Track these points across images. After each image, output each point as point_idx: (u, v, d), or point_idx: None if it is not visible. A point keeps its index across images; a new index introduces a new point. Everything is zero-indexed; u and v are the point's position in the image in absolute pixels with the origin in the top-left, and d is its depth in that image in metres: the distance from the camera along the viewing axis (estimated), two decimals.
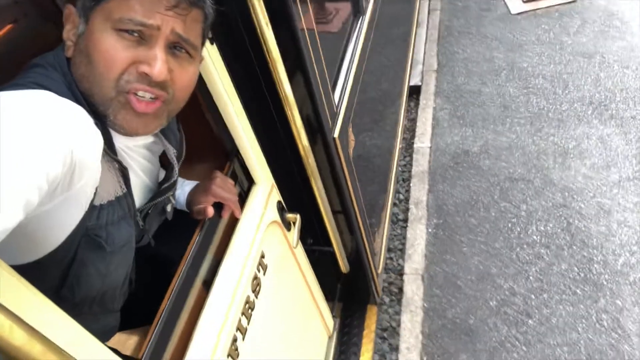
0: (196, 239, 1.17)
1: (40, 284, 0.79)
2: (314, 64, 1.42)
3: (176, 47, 0.84)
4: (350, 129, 1.78)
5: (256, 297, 1.34)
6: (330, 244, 1.83)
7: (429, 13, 4.69)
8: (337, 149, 1.57)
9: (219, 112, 1.24)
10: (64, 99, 0.71)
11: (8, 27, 1.39)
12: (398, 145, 3.00)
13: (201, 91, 1.19)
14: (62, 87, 0.78)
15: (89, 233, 0.82)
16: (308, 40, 1.38)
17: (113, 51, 0.78)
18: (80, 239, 0.81)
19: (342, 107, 1.66)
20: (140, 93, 0.81)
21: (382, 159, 2.59)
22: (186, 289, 1.12)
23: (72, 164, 0.67)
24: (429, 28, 4.51)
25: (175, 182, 1.09)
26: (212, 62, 1.16)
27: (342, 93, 1.71)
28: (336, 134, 1.56)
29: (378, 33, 2.40)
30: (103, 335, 1.05)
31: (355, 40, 1.93)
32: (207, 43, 1.12)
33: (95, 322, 0.97)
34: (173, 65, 0.84)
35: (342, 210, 1.81)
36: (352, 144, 1.79)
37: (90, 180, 0.76)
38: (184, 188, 1.26)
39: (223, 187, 1.23)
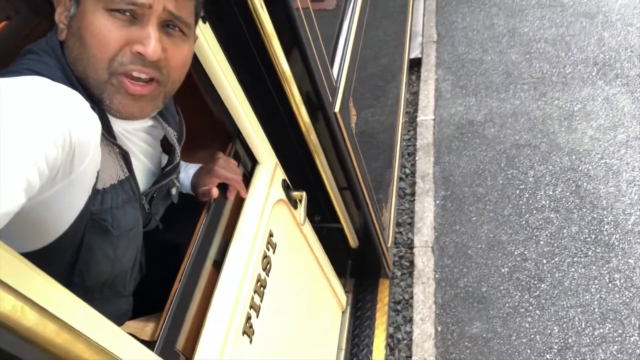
0: (203, 221, 1.18)
1: (50, 271, 0.80)
2: (311, 40, 1.40)
3: (169, 25, 0.83)
4: (351, 104, 1.77)
5: (267, 275, 1.36)
6: (338, 221, 1.83)
7: None
8: (338, 123, 1.56)
9: (217, 94, 1.23)
10: (59, 83, 0.71)
11: (1, 25, 1.39)
12: (401, 119, 2.98)
13: (197, 73, 1.19)
14: (56, 72, 0.78)
15: (95, 217, 0.83)
16: (303, 17, 1.37)
17: (105, 32, 0.77)
18: (86, 224, 0.82)
19: (341, 82, 1.65)
20: (135, 74, 0.80)
21: (385, 134, 2.58)
22: (197, 271, 1.13)
23: (72, 148, 0.67)
24: None
25: (178, 165, 1.09)
26: (207, 41, 1.15)
27: (340, 67, 1.69)
28: (337, 109, 1.55)
29: (373, 7, 2.37)
30: (116, 319, 1.05)
31: (351, 15, 1.91)
32: (200, 22, 1.12)
33: (107, 306, 0.98)
34: (167, 44, 0.83)
35: (348, 187, 1.81)
36: (353, 118, 1.78)
37: (91, 164, 0.75)
38: (188, 171, 1.27)
39: (226, 167, 1.23)
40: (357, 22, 1.92)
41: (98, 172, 0.80)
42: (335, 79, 1.63)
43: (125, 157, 0.89)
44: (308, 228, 1.64)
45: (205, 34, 1.13)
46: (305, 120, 1.44)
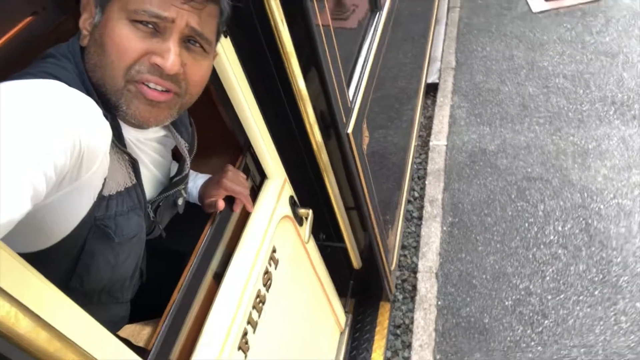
0: (207, 232, 1.18)
1: (49, 274, 0.79)
2: (329, 60, 1.41)
3: (190, 41, 0.84)
4: (365, 125, 1.77)
5: (267, 291, 1.35)
6: (342, 240, 1.82)
7: (448, 10, 4.64)
8: (350, 144, 1.56)
9: (231, 106, 1.24)
10: (74, 89, 0.71)
11: (27, 19, 1.41)
12: (414, 142, 2.98)
13: (214, 84, 1.20)
14: (73, 77, 0.79)
15: (98, 223, 0.83)
16: (323, 36, 1.38)
17: (126, 41, 0.78)
18: (89, 230, 0.82)
19: (356, 103, 1.65)
20: (151, 85, 0.81)
21: (396, 156, 2.57)
22: (197, 282, 1.13)
23: (80, 155, 0.67)
24: (448, 25, 4.47)
25: (186, 176, 1.10)
26: (226, 55, 1.16)
27: (357, 89, 1.70)
28: (350, 130, 1.56)
29: (395, 29, 2.39)
30: (113, 326, 1.06)
31: (372, 36, 1.92)
32: (221, 36, 1.13)
33: (104, 312, 0.98)
34: (187, 59, 0.84)
35: (355, 207, 1.81)
36: (366, 140, 1.78)
37: (98, 170, 0.76)
38: (196, 181, 1.27)
39: (234, 180, 1.23)
40: (378, 44, 1.93)
41: (105, 179, 0.81)
42: (351, 99, 1.63)
43: (134, 165, 0.89)
44: (312, 246, 1.64)
45: (224, 46, 1.15)
46: (317, 139, 1.44)
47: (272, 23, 1.21)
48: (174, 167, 1.16)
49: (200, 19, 0.82)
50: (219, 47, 1.11)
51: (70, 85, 0.72)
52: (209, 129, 1.31)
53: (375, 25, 1.99)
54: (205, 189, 1.25)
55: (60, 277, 0.84)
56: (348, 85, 1.66)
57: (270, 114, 1.36)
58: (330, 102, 1.43)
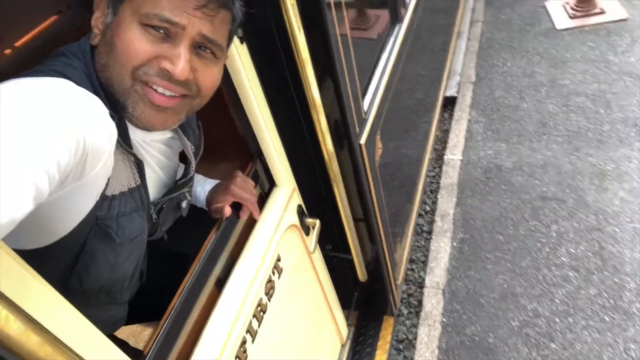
0: (212, 237, 1.18)
1: (48, 271, 0.79)
2: (345, 70, 1.40)
3: (201, 47, 0.83)
4: (379, 137, 1.76)
5: (269, 300, 1.34)
6: (349, 252, 1.81)
7: (470, 25, 4.61)
8: (362, 155, 1.55)
9: (243, 111, 1.24)
10: (81, 88, 0.71)
11: (52, 18, 1.43)
12: (428, 155, 2.95)
13: (227, 90, 1.19)
14: (81, 76, 0.78)
15: (100, 223, 0.82)
16: (340, 46, 1.37)
17: (137, 43, 0.78)
18: (91, 229, 0.82)
19: (371, 114, 1.64)
20: (159, 89, 0.80)
21: (410, 168, 2.55)
22: (198, 287, 1.12)
23: (84, 154, 0.67)
24: (470, 40, 4.43)
25: (191, 179, 1.09)
26: (241, 61, 1.16)
27: (372, 100, 1.69)
28: (363, 141, 1.54)
29: (415, 42, 2.37)
30: (110, 326, 1.06)
31: (390, 48, 1.91)
32: (237, 41, 1.13)
33: (102, 312, 0.98)
34: (197, 65, 0.83)
35: (364, 219, 1.79)
36: (379, 151, 1.77)
37: (102, 170, 0.76)
38: (204, 186, 1.26)
39: (243, 187, 1.22)
40: (396, 56, 1.92)
41: (109, 179, 0.80)
42: (366, 110, 1.62)
43: (139, 166, 0.89)
44: (318, 256, 1.62)
45: (239, 50, 1.14)
46: (328, 149, 1.43)
47: (289, 30, 1.20)
48: (182, 169, 1.16)
49: (212, 25, 0.81)
50: (232, 51, 1.11)
51: (78, 84, 0.72)
52: (220, 132, 1.31)
53: (395, 38, 1.98)
54: (213, 194, 1.24)
55: (60, 275, 0.84)
56: (363, 95, 1.65)
57: (283, 120, 1.35)
58: (344, 112, 1.41)
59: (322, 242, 1.72)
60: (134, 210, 0.89)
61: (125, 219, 0.87)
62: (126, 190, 0.87)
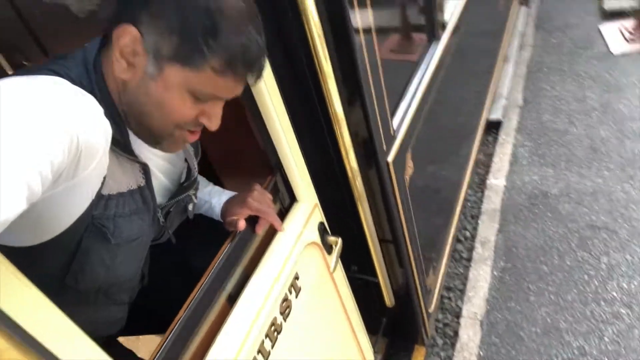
0: (225, 250, 1.14)
1: (44, 269, 0.80)
2: (372, 90, 1.36)
3: None
4: (409, 155, 1.69)
5: (284, 320, 1.28)
6: (375, 275, 1.73)
7: (519, 48, 4.48)
8: (390, 173, 1.49)
9: (263, 123, 1.21)
10: (75, 86, 0.70)
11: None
12: (467, 178, 2.84)
13: (248, 103, 1.17)
14: (78, 76, 0.78)
15: (95, 222, 0.82)
16: (369, 69, 1.33)
17: (184, 109, 0.82)
18: (87, 228, 0.81)
19: (401, 132, 1.58)
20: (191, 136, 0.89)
21: (446, 191, 2.46)
22: (208, 301, 1.08)
23: (78, 153, 0.66)
24: (518, 63, 4.30)
25: (195, 180, 1.08)
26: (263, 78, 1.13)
27: (403, 118, 1.63)
28: (390, 158, 1.48)
29: (455, 63, 2.31)
30: (109, 326, 1.07)
31: (425, 67, 1.85)
32: None
33: (100, 312, 0.98)
34: None
35: (392, 240, 1.72)
36: (409, 170, 1.70)
37: (96, 169, 0.74)
38: (221, 197, 1.24)
39: (260, 200, 1.18)
40: (432, 75, 1.85)
41: (104, 178, 0.79)
42: (395, 128, 1.56)
43: (144, 169, 0.89)
44: (341, 277, 1.56)
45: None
46: (352, 165, 1.38)
47: (316, 60, 1.20)
48: (185, 172, 1.14)
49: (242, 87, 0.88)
50: None
51: (73, 83, 0.71)
52: (240, 144, 1.29)
53: (431, 57, 1.92)
54: (228, 205, 1.21)
55: (56, 273, 0.84)
56: (393, 112, 1.60)
57: (305, 133, 1.32)
58: (370, 128, 1.37)
59: (347, 262, 1.65)
60: (133, 213, 0.88)
61: (123, 221, 0.86)
62: (125, 191, 0.86)
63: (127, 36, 0.75)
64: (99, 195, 0.80)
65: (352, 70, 1.29)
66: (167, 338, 0.97)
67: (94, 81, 0.78)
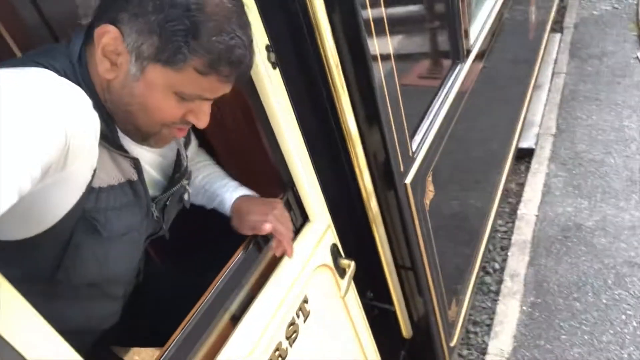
0: (230, 265, 1.09)
1: (36, 263, 0.81)
2: (389, 107, 1.32)
3: None
4: (430, 179, 1.63)
5: (290, 346, 1.22)
6: (391, 303, 1.65)
7: (552, 76, 4.37)
8: (408, 196, 1.43)
9: (276, 140, 1.18)
10: (62, 78, 0.69)
11: None
12: (495, 208, 2.73)
13: (261, 120, 1.15)
14: (64, 68, 0.76)
15: (86, 215, 0.80)
16: (385, 88, 1.30)
17: (170, 109, 0.81)
18: (78, 222, 0.80)
19: (420, 154, 1.52)
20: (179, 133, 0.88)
21: (472, 219, 2.36)
22: (208, 319, 1.03)
23: (66, 146, 0.65)
24: (551, 91, 4.18)
25: (186, 170, 1.05)
26: (273, 88, 1.11)
27: (423, 139, 1.57)
28: (408, 180, 1.43)
29: (483, 89, 2.25)
30: (102, 320, 1.06)
31: (448, 88, 1.80)
32: (270, 67, 1.09)
33: (94, 305, 0.98)
34: None
35: (411, 267, 1.64)
36: (429, 194, 1.63)
37: (85, 162, 0.74)
38: (233, 193, 1.17)
39: (281, 220, 1.12)
40: (455, 97, 1.80)
41: (95, 170, 0.78)
42: (414, 150, 1.51)
43: (135, 164, 0.87)
44: (354, 303, 1.49)
45: (273, 79, 1.10)
46: (366, 185, 1.33)
47: (333, 88, 1.20)
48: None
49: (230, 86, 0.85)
50: (264, 76, 1.07)
51: (59, 74, 0.70)
52: (252, 158, 1.25)
53: (454, 77, 1.87)
54: (242, 206, 1.14)
55: (48, 267, 0.83)
56: (413, 133, 1.55)
57: (320, 152, 1.28)
58: (387, 148, 1.32)
59: (362, 287, 1.58)
60: (124, 206, 0.87)
61: (114, 214, 0.84)
62: (116, 184, 0.85)
63: (107, 35, 0.74)
64: (90, 189, 0.79)
65: (370, 97, 1.27)
66: (163, 354, 0.93)
67: (79, 74, 0.77)
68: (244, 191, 1.19)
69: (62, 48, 0.80)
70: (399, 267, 1.64)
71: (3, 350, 0.57)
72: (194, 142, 1.23)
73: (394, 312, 1.67)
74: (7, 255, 0.75)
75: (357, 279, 1.47)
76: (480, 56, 2.17)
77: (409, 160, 1.46)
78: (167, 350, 0.93)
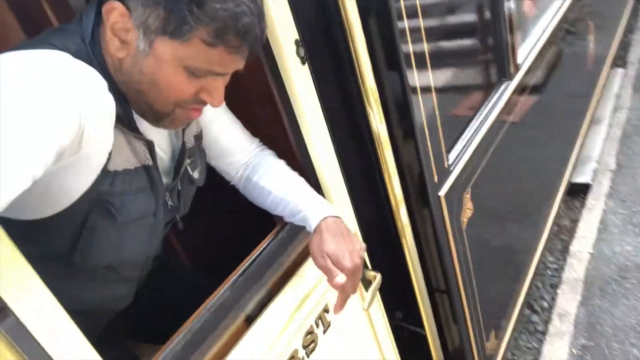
0: (247, 263, 1.06)
1: (50, 245, 0.81)
2: (422, 109, 1.27)
3: None
4: (468, 196, 1.55)
5: (307, 356, 1.16)
6: (422, 326, 1.55)
7: (613, 111, 4.16)
8: (441, 209, 1.36)
9: (303, 140, 1.15)
10: (78, 61, 0.70)
11: None
12: (544, 242, 2.58)
13: (287, 115, 1.13)
14: (79, 51, 0.76)
15: (102, 198, 0.80)
16: (424, 115, 1.26)
17: (183, 86, 0.80)
18: (93, 204, 0.79)
19: (457, 167, 1.46)
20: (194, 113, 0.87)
21: (517, 250, 2.23)
22: (220, 315, 0.99)
23: (80, 131, 0.66)
24: (612, 126, 3.97)
25: (185, 149, 0.99)
26: (302, 83, 1.09)
27: (461, 152, 1.50)
28: (443, 193, 1.36)
29: (532, 117, 2.16)
30: (117, 301, 1.07)
31: (491, 106, 1.73)
32: (299, 62, 1.07)
33: (107, 288, 0.98)
34: None
35: (445, 290, 1.55)
36: (467, 212, 1.55)
37: (101, 145, 0.74)
38: (321, 211, 1.05)
39: (351, 277, 0.97)
40: (497, 115, 1.72)
41: (110, 154, 0.78)
42: (450, 163, 1.44)
43: (149, 146, 0.86)
44: (380, 321, 1.40)
45: (301, 76, 1.08)
46: (395, 193, 1.27)
47: (371, 121, 1.18)
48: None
49: (244, 62, 0.84)
50: (291, 72, 1.06)
51: (74, 57, 0.71)
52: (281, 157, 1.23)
53: (499, 96, 1.80)
54: (324, 228, 1.03)
55: (64, 250, 0.83)
56: (452, 144, 1.48)
57: (349, 154, 1.24)
58: (419, 153, 1.26)
59: (391, 307, 1.50)
60: (140, 191, 0.86)
61: (129, 198, 0.84)
62: (131, 168, 0.84)
63: (114, 12, 0.74)
64: (105, 172, 0.79)
65: (409, 129, 1.24)
66: (164, 350, 0.90)
67: (93, 55, 0.77)
68: (329, 211, 1.06)
69: (76, 27, 0.80)
70: (431, 289, 1.55)
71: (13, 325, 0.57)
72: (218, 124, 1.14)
73: (425, 336, 1.57)
74: (25, 234, 0.75)
75: (386, 298, 1.40)
76: (531, 86, 2.10)
77: (444, 171, 1.39)
78: (169, 348, 0.89)
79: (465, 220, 1.54)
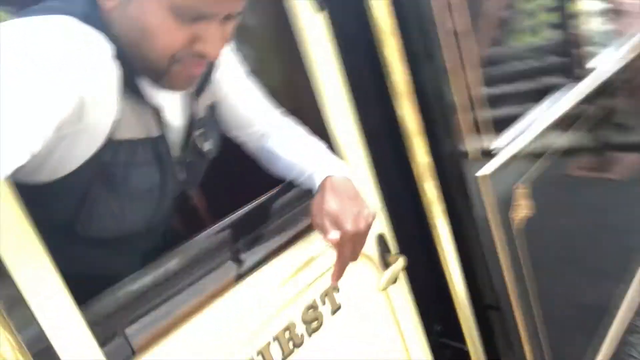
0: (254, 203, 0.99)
1: (55, 212, 0.80)
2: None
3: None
4: (521, 191, 1.35)
5: (307, 334, 1.00)
6: (463, 340, 1.31)
7: None
8: (479, 192, 1.18)
9: (314, 99, 1.08)
10: (79, 25, 0.69)
11: None
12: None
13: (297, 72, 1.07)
14: (85, 13, 0.73)
15: (105, 170, 0.77)
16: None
17: (170, 32, 0.72)
18: (95, 174, 0.77)
19: (505, 151, 1.29)
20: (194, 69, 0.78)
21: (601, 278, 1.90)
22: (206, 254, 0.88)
23: (80, 102, 0.65)
24: None
25: (193, 119, 0.91)
26: (316, 35, 1.04)
27: (513, 140, 1.34)
28: (481, 173, 1.19)
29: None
30: (122, 270, 0.97)
31: (553, 106, 1.55)
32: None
33: (114, 257, 0.94)
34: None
35: (494, 305, 1.32)
36: (521, 210, 1.34)
37: (104, 113, 0.72)
38: (325, 169, 0.95)
39: (354, 242, 0.86)
40: (561, 119, 1.54)
41: (115, 123, 0.75)
42: (497, 144, 1.28)
43: (158, 116, 0.81)
44: (410, 326, 1.20)
45: (315, 24, 1.03)
46: (418, 160, 1.11)
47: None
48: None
49: (239, 2, 0.75)
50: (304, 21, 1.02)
51: (79, 19, 0.70)
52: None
53: (566, 98, 1.62)
54: (328, 186, 0.92)
55: (66, 218, 0.81)
56: (500, 129, 1.33)
57: (367, 110, 1.13)
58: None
59: (428, 318, 1.29)
60: (145, 163, 0.81)
61: (134, 169, 0.79)
62: (136, 139, 0.79)
63: None
64: (109, 141, 0.76)
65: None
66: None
67: (95, 15, 0.74)
68: (336, 168, 0.96)
69: None
70: (476, 302, 1.33)
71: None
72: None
73: (466, 353, 1.32)
74: (31, 199, 0.69)
75: (423, 309, 1.24)
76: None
77: (485, 150, 1.23)
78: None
79: (517, 219, 1.33)
